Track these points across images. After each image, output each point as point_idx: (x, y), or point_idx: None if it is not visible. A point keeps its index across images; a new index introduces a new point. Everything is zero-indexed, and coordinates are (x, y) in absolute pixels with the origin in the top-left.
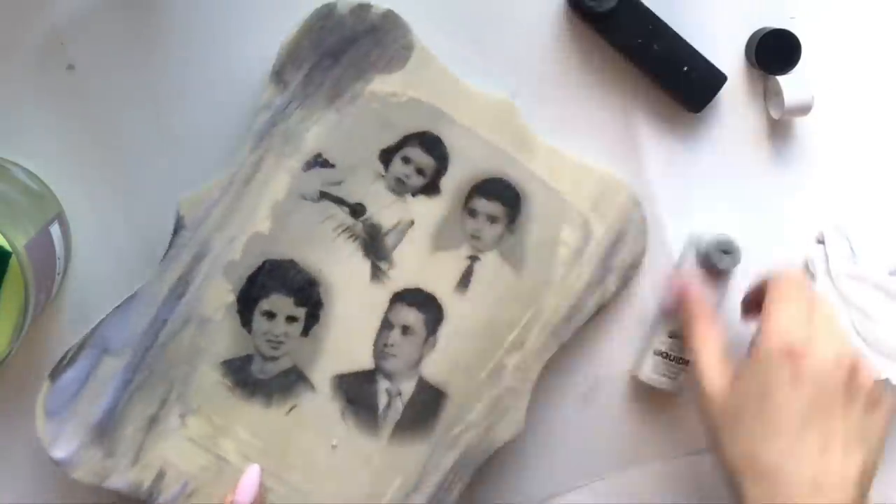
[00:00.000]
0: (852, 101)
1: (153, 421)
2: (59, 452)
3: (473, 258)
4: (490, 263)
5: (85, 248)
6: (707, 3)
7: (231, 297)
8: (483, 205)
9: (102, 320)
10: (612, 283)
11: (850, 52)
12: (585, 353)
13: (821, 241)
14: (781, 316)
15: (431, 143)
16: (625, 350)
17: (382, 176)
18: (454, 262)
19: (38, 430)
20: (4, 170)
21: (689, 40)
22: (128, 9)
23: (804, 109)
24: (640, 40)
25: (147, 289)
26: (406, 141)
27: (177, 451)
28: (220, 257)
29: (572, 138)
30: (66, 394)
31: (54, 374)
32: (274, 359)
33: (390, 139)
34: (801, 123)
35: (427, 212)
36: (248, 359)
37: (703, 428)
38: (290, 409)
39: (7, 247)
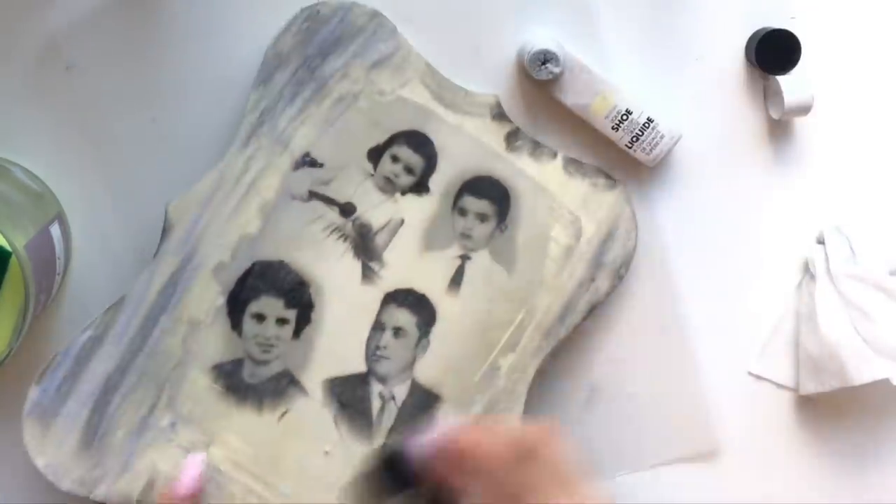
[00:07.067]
0: (852, 101)
1: (142, 427)
2: (44, 459)
3: (464, 257)
4: (481, 263)
5: (85, 248)
6: (707, 3)
7: (221, 300)
8: (472, 203)
9: (89, 324)
10: (603, 281)
11: (850, 52)
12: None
13: (821, 241)
14: None
15: (419, 142)
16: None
17: (371, 175)
18: (445, 261)
19: (24, 439)
20: (4, 170)
21: (689, 40)
22: (126, 10)
23: (804, 109)
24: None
25: (136, 291)
26: (394, 139)
27: (167, 459)
28: (209, 258)
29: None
30: (53, 399)
31: (41, 379)
32: (265, 362)
33: (378, 138)
34: (801, 123)
35: (417, 210)
36: (238, 363)
37: None
38: (283, 415)
39: (7, 247)
